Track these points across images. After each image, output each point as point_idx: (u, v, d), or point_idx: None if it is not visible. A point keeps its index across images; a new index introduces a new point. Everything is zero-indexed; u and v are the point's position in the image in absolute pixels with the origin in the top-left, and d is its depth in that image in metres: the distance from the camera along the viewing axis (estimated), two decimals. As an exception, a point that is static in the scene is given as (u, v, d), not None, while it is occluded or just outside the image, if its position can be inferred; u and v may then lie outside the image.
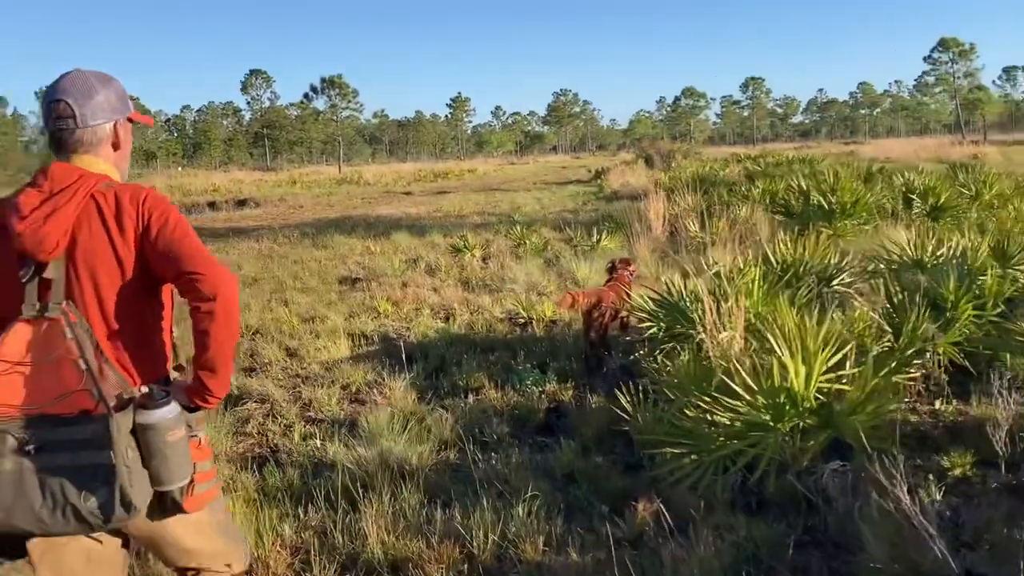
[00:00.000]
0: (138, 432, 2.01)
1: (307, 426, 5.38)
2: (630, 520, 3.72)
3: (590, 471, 4.37)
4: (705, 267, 7.30)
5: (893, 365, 4.18)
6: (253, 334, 8.17)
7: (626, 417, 4.57)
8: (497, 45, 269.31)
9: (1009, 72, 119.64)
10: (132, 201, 2.15)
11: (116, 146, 2.26)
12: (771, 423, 3.75)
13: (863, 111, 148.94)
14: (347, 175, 52.43)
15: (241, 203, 32.54)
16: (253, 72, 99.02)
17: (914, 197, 11.05)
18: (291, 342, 7.62)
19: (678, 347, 5.37)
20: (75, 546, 2.18)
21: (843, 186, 10.70)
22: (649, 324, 5.64)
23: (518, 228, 14.14)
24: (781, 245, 6.80)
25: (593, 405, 5.41)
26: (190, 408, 2.17)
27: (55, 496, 1.95)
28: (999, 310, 5.24)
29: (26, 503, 1.94)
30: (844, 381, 3.92)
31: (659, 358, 5.48)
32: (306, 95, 67.17)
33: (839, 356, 3.92)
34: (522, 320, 8.03)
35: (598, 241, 12.18)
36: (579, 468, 4.40)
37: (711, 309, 5.11)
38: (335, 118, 66.87)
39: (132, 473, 1.98)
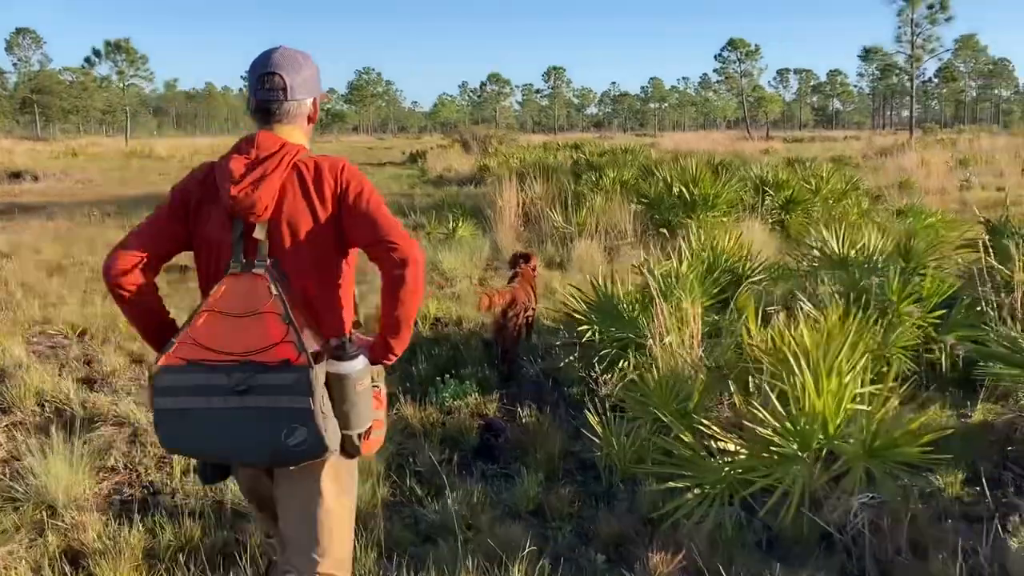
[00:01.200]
0: (331, 381, 2.17)
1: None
2: (641, 574, 3.14)
3: (562, 507, 3.75)
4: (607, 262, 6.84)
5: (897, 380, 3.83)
6: (80, 335, 6.85)
7: (595, 440, 3.98)
8: (298, 19, 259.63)
9: (782, 74, 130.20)
10: (331, 171, 2.31)
11: (311, 119, 2.41)
12: (797, 451, 3.28)
13: (652, 105, 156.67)
14: (136, 148, 48.12)
15: (15, 175, 28.85)
16: (19, 31, 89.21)
17: (768, 191, 11.20)
18: (132, 345, 6.41)
19: (622, 354, 4.86)
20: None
21: (704, 178, 10.64)
22: (584, 327, 5.06)
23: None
24: (691, 240, 6.40)
25: (525, 420, 4.79)
26: (372, 362, 2.31)
27: (260, 433, 2.13)
28: (938, 313, 5.10)
29: (231, 436, 2.14)
30: (861, 399, 3.53)
31: (597, 366, 4.95)
32: (88, 59, 60.89)
33: (864, 372, 3.51)
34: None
35: (454, 229, 11.50)
36: (548, 503, 3.77)
37: (661, 312, 4.63)
38: (121, 86, 60.99)
39: (327, 418, 2.14)
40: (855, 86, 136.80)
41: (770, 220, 10.85)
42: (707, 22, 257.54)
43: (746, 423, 3.47)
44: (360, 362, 2.20)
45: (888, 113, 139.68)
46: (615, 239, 10.33)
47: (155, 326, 2.42)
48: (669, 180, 10.98)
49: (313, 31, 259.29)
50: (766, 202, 11.03)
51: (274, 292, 2.15)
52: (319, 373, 2.11)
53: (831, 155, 29.75)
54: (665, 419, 3.74)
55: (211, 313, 2.18)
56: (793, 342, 3.53)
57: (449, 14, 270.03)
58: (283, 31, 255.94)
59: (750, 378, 3.88)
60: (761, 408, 3.35)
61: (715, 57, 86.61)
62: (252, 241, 2.24)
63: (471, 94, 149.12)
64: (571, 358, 5.23)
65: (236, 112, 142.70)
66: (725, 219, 10.43)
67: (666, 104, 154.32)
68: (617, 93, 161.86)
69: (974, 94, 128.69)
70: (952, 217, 11.44)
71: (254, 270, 2.20)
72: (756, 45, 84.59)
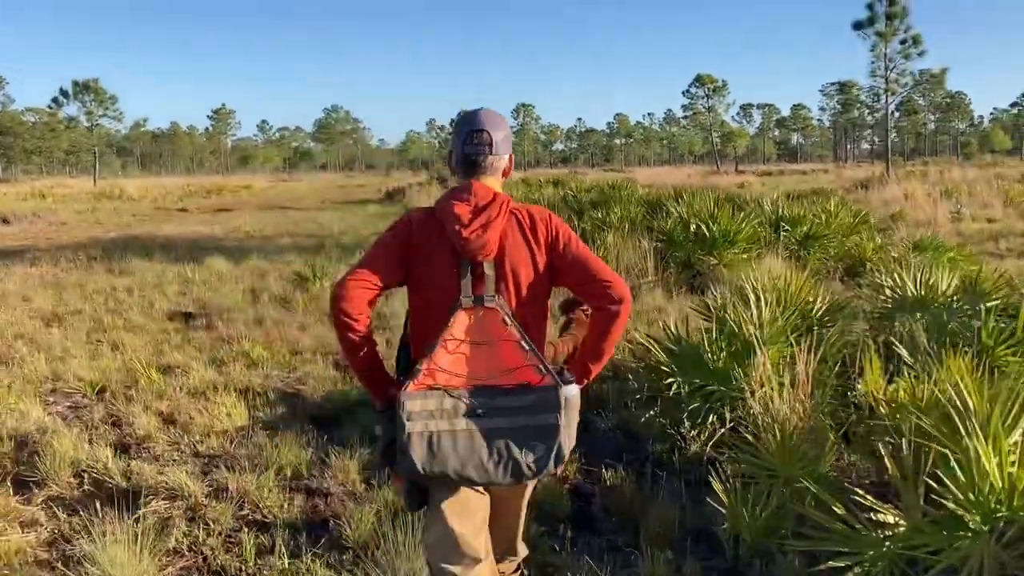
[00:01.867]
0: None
1: (256, 533, 3.95)
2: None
3: (697, 590, 3.38)
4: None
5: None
6: (99, 393, 6.38)
7: (721, 510, 3.63)
8: (261, 58, 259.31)
9: (746, 109, 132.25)
10: (542, 219, 2.58)
11: (505, 173, 2.67)
12: (980, 525, 2.96)
13: (618, 141, 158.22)
14: (105, 189, 47.28)
15: (-16, 218, 28.07)
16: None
17: (785, 226, 11.01)
18: (160, 404, 5.96)
19: (713, 408, 4.53)
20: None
21: (722, 214, 10.42)
22: (670, 379, 4.72)
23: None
24: (751, 280, 6.10)
25: (609, 481, 4.43)
26: None
27: (500, 452, 2.34)
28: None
29: (477, 457, 2.33)
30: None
31: (686, 422, 4.62)
32: (55, 100, 59.76)
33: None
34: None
35: (464, 269, 11.15)
36: (679, 585, 3.40)
37: (765, 364, 4.32)
38: (91, 126, 59.92)
39: (567, 436, 2.37)
40: (817, 120, 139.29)
41: (785, 255, 10.63)
42: (671, 59, 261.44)
43: (902, 490, 3.14)
44: (576, 387, 2.42)
45: (848, 146, 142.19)
46: (635, 278, 10.04)
47: (368, 358, 2.52)
48: (685, 216, 10.74)
49: (280, 69, 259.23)
50: (782, 237, 10.82)
51: (509, 322, 2.40)
52: (562, 394, 2.35)
53: (809, 188, 29.82)
54: (807, 485, 3.40)
55: (452, 342, 2.38)
56: (953, 397, 3.21)
57: (414, 52, 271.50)
58: (248, 70, 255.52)
59: (884, 437, 3.56)
60: (914, 474, 3.03)
61: (683, 93, 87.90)
62: (478, 278, 2.45)
63: (437, 131, 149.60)
64: (652, 412, 4.89)
65: (201, 152, 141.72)
66: (745, 256, 10.20)
67: (631, 140, 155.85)
68: (583, 129, 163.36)
69: (932, 127, 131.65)
70: (968, 251, 11.37)
71: (486, 303, 2.42)
72: (723, 81, 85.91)
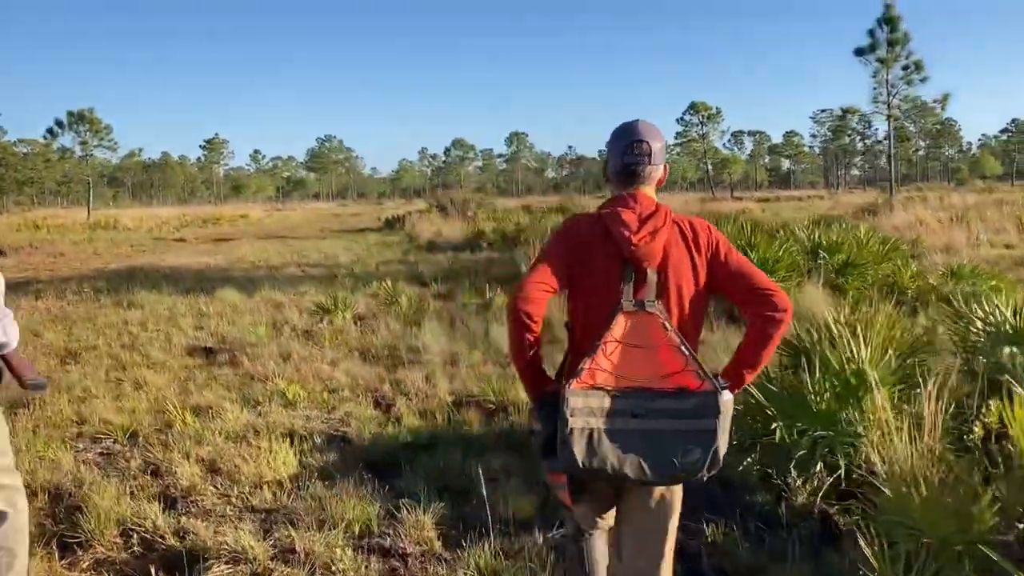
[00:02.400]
0: None
1: (334, 606, 3.52)
2: None
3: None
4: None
5: None
6: (130, 437, 5.95)
7: (869, 574, 3.23)
8: (255, 88, 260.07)
9: (737, 136, 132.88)
10: (702, 229, 2.69)
11: (660, 183, 2.75)
12: None
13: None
14: (100, 219, 46.81)
15: (-20, 250, 27.59)
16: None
17: (823, 253, 10.68)
18: (199, 450, 5.53)
19: (828, 456, 4.14)
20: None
21: (760, 242, 10.09)
22: (771, 423, 4.33)
23: (384, 283, 12.36)
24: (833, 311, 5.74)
25: (711, 537, 4.02)
26: None
27: (656, 452, 2.41)
28: None
29: (633, 455, 2.41)
30: None
31: (794, 471, 4.23)
32: (50, 130, 59.18)
33: None
34: (491, 406, 6.47)
35: (492, 299, 10.78)
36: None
37: (883, 406, 3.94)
38: (85, 156, 59.45)
39: (722, 441, 2.43)
40: (809, 146, 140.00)
41: (822, 284, 10.29)
42: (656, 89, 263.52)
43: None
44: (730, 394, 2.48)
45: (838, 173, 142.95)
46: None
47: (534, 357, 2.63)
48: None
49: (271, 97, 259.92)
50: (820, 265, 10.49)
51: (669, 328, 2.47)
52: (724, 398, 2.41)
53: (816, 214, 29.63)
54: (966, 548, 3.01)
55: (612, 343, 2.47)
56: None
57: (404, 81, 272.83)
58: (237, 98, 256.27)
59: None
60: None
61: (677, 120, 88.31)
62: (640, 284, 2.54)
63: (430, 159, 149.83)
64: (750, 459, 4.49)
65: (193, 181, 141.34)
66: (784, 284, 9.85)
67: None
68: (573, 157, 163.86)
69: (922, 153, 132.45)
70: (1009, 279, 11.05)
71: (647, 308, 2.50)
72: (717, 108, 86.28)
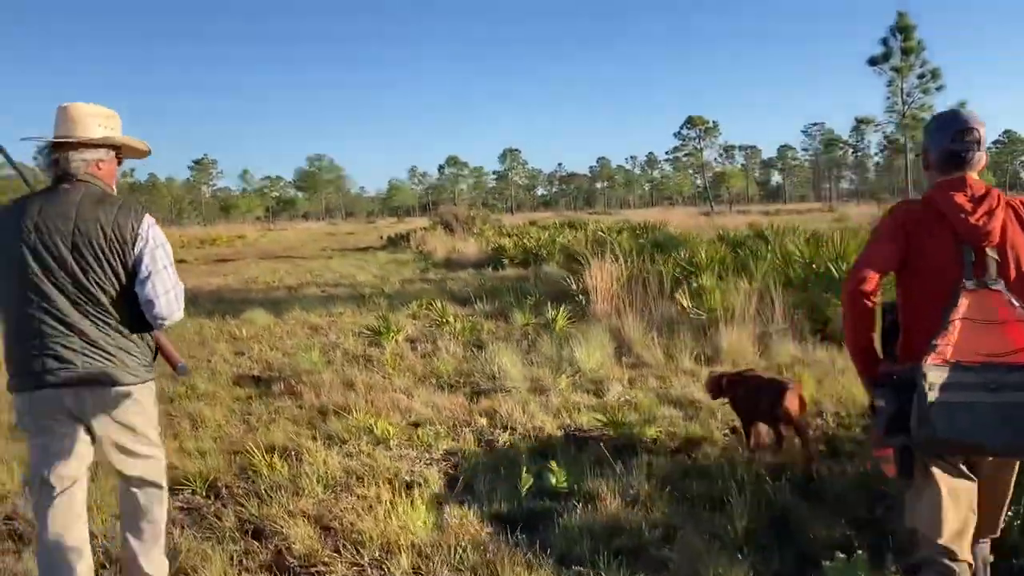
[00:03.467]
0: None
1: None
2: None
3: None
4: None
5: None
6: (209, 488, 5.08)
7: None
8: (231, 117, 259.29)
9: (728, 150, 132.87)
10: None
11: (981, 169, 2.81)
12: None
13: (599, 184, 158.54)
14: None
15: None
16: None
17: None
18: (302, 502, 4.68)
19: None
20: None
21: (850, 253, 9.34)
22: None
23: (426, 303, 11.55)
24: None
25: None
26: None
27: (1012, 424, 2.42)
28: None
29: (990, 428, 2.44)
30: None
31: None
32: (41, 151, 57.81)
33: None
34: (608, 439, 5.65)
35: (554, 319, 9.97)
36: None
37: None
38: None
39: None
40: (804, 160, 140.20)
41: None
42: (646, 103, 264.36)
43: None
44: None
45: (828, 186, 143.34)
46: (762, 325, 8.89)
47: (870, 336, 2.76)
48: (807, 257, 9.66)
49: (258, 116, 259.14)
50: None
51: (1016, 303, 2.54)
52: None
53: (838, 226, 28.97)
54: None
55: (959, 321, 2.54)
56: None
57: (394, 99, 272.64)
58: (222, 118, 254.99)
59: None
60: None
61: (675, 135, 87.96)
62: (979, 263, 2.65)
63: (420, 177, 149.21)
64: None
65: (180, 202, 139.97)
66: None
67: (613, 183, 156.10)
68: (563, 173, 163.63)
69: (909, 164, 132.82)
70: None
71: (990, 286, 2.60)
72: (714, 122, 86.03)
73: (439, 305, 11.24)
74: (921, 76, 34.02)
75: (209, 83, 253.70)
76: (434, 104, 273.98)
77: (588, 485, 4.70)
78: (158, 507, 3.35)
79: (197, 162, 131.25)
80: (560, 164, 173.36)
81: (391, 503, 4.50)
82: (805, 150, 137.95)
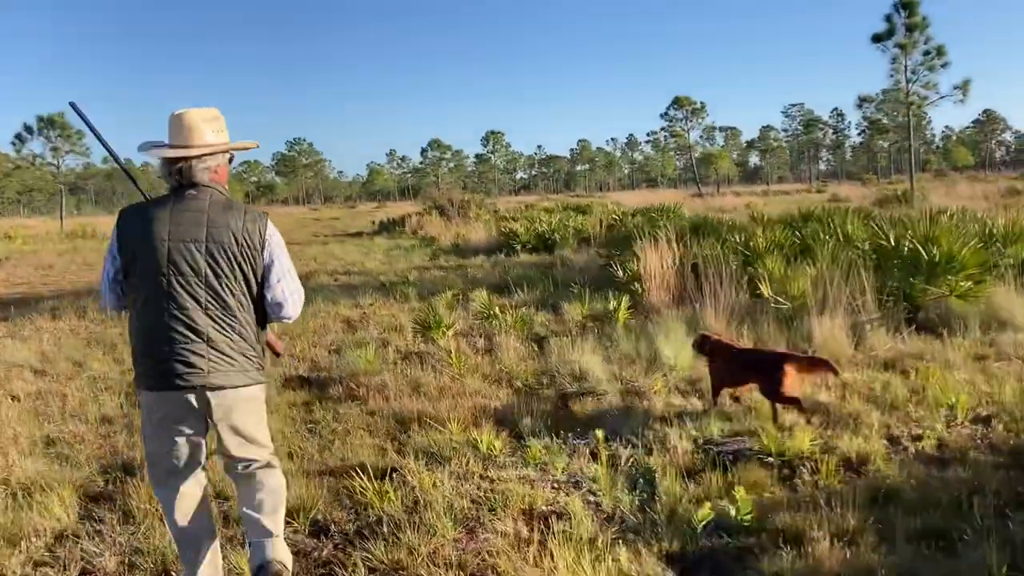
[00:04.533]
0: None
1: None
2: None
3: None
4: None
5: None
6: (314, 526, 4.29)
7: None
8: (216, 91, 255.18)
9: (708, 131, 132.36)
10: None
11: None
12: None
13: (580, 167, 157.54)
14: (76, 228, 44.25)
15: (-44, 263, 25.32)
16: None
17: (1002, 247, 9.25)
18: (436, 543, 3.90)
19: None
20: None
21: (942, 234, 8.63)
22: None
23: (480, 295, 10.76)
24: None
25: None
26: None
27: None
28: None
29: None
30: None
31: None
32: (19, 136, 55.87)
33: None
34: (772, 460, 4.91)
35: (615, 310, 9.21)
36: None
37: None
38: (57, 163, 56.17)
39: None
40: (784, 141, 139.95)
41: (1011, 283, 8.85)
42: (622, 85, 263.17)
43: None
44: None
45: (805, 167, 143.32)
46: (852, 315, 8.19)
47: None
48: (893, 239, 8.94)
49: (238, 98, 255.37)
50: (1002, 262, 9.07)
51: None
52: None
53: (841, 206, 28.37)
54: None
55: None
56: None
57: (368, 83, 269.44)
58: (202, 101, 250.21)
59: None
60: None
61: (661, 116, 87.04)
62: None
63: (399, 161, 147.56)
64: None
65: (157, 186, 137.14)
66: (978, 288, 8.39)
67: (594, 165, 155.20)
68: (543, 156, 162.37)
69: (883, 144, 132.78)
70: None
71: None
72: (701, 103, 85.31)
73: (484, 296, 10.45)
74: (927, 53, 33.47)
75: (187, 65, 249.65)
76: (412, 87, 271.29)
77: (783, 518, 3.96)
78: (273, 478, 3.48)
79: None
80: (540, 146, 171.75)
81: (540, 544, 3.75)
82: (785, 131, 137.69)
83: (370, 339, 9.17)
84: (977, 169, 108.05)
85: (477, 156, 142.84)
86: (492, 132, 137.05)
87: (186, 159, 3.22)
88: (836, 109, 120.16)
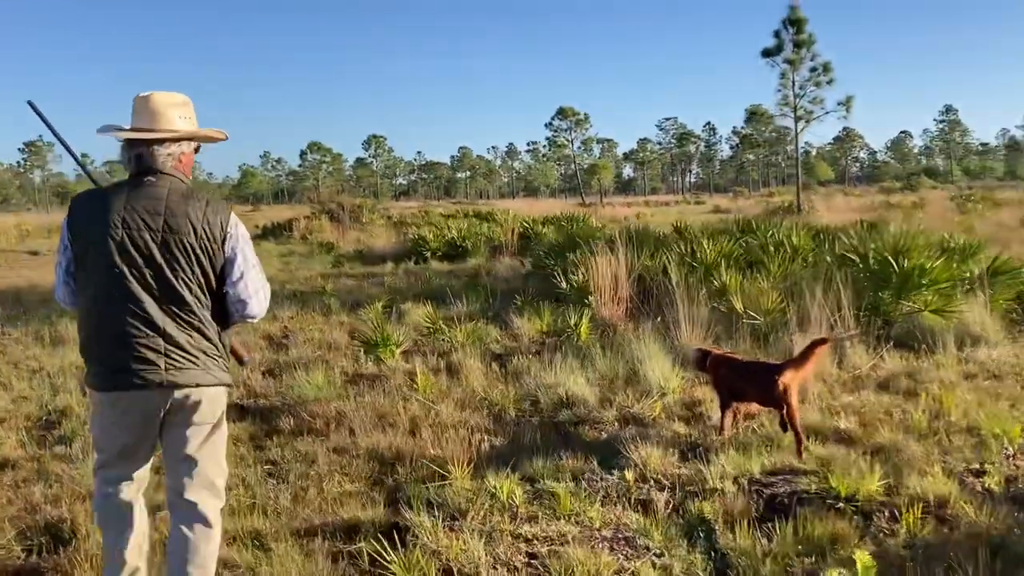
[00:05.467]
0: None
1: None
2: None
3: None
4: None
5: None
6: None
7: None
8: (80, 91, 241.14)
9: (586, 143, 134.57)
10: None
11: None
12: None
13: (460, 175, 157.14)
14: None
15: None
16: None
17: (960, 261, 9.10)
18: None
19: None
20: None
21: (913, 247, 8.37)
22: None
23: (416, 308, 9.83)
24: None
25: None
26: None
27: None
28: None
29: None
30: None
31: None
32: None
33: None
34: (815, 494, 4.32)
35: (577, 324, 8.54)
36: None
37: None
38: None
39: None
40: (659, 153, 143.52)
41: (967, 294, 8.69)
42: (504, 95, 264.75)
43: None
44: None
45: (678, 179, 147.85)
46: (823, 329, 7.79)
47: None
48: (862, 251, 8.65)
49: (101, 98, 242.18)
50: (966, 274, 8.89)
51: None
52: None
53: (728, 217, 28.81)
54: None
55: None
56: None
57: (241, 89, 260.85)
58: (59, 100, 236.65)
59: None
60: None
61: (546, 125, 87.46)
62: None
63: (274, 164, 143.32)
64: None
65: (6, 188, 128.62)
66: (951, 303, 8.17)
67: (475, 173, 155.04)
68: (423, 162, 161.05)
69: (751, 158, 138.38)
70: None
71: None
72: (585, 114, 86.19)
73: (425, 309, 9.58)
74: (813, 69, 34.59)
75: (45, 64, 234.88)
76: (290, 91, 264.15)
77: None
78: (210, 543, 3.16)
79: (29, 145, 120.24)
80: (420, 152, 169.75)
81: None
82: (659, 143, 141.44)
83: (306, 359, 8.16)
84: (836, 183, 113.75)
85: (358, 160, 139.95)
86: (375, 136, 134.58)
87: (148, 143, 3.02)
88: (709, 123, 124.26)
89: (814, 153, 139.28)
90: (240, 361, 3.46)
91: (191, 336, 3.01)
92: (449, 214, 31.43)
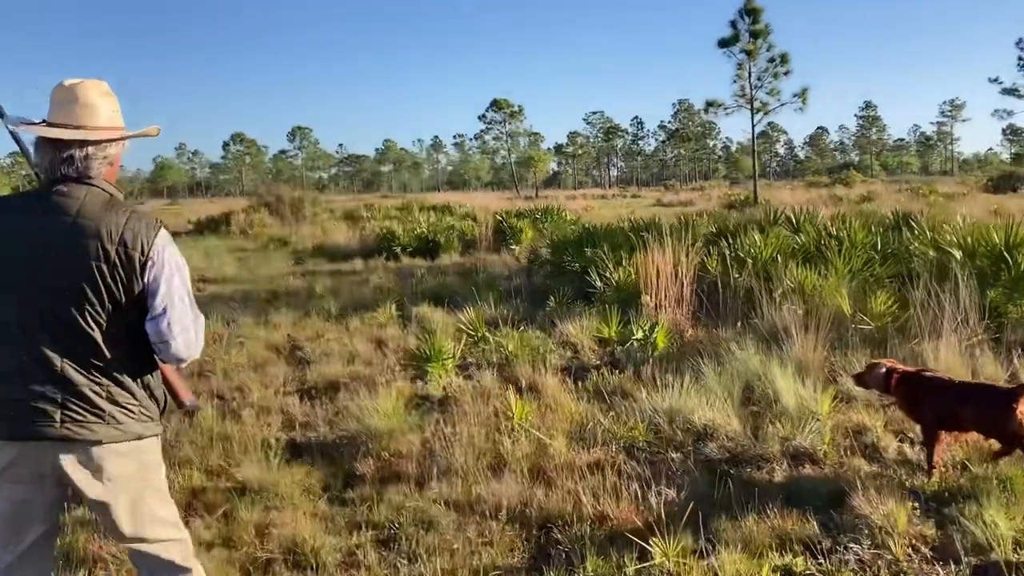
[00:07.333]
0: None
1: None
2: None
3: None
4: None
5: None
6: None
7: None
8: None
9: (514, 136, 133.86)
10: None
11: None
12: None
13: (384, 168, 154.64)
14: None
15: None
16: None
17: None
18: None
19: None
20: None
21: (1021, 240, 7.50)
22: None
23: (462, 315, 8.54)
24: None
25: None
26: None
27: None
28: None
29: None
30: None
31: None
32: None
33: None
34: None
35: (651, 331, 7.40)
36: None
37: None
38: None
39: None
40: (589, 147, 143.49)
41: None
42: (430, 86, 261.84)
43: None
44: None
45: (603, 173, 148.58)
46: (939, 336, 6.84)
47: None
48: (968, 246, 7.75)
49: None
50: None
51: None
52: None
53: (687, 211, 28.17)
54: None
55: None
56: None
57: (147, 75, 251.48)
58: None
59: None
60: None
61: (479, 118, 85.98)
62: None
63: (190, 156, 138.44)
64: None
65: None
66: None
67: (400, 166, 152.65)
68: (345, 155, 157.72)
69: (682, 152, 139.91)
70: None
71: None
72: (519, 106, 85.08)
73: (475, 315, 8.25)
74: (771, 60, 34.18)
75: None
76: (205, 80, 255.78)
77: None
78: None
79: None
80: (342, 145, 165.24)
81: None
82: (587, 137, 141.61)
83: (342, 377, 6.82)
84: (761, 178, 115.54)
85: (281, 152, 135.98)
86: (299, 127, 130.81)
87: (82, 145, 2.49)
88: (636, 117, 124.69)
89: (733, 148, 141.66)
90: (179, 405, 2.84)
91: (98, 383, 2.48)
92: (404, 206, 29.98)
